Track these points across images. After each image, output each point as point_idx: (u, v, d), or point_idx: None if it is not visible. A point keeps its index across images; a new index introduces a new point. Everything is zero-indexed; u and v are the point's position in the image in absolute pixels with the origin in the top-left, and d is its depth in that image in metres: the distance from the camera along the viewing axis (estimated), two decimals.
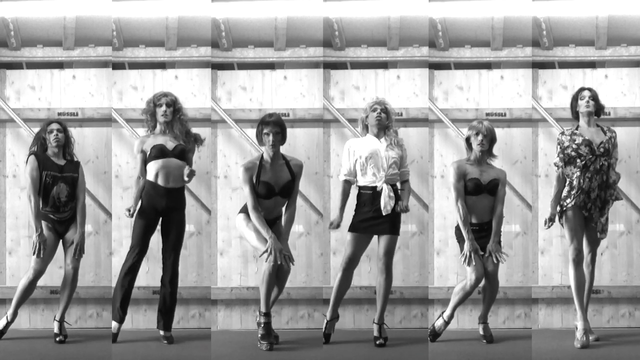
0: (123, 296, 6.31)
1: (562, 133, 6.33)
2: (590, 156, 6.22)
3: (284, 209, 6.22)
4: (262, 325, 6.12)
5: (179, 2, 7.03)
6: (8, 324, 6.44)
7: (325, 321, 6.33)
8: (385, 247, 6.23)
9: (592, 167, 6.21)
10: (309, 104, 7.01)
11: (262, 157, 6.13)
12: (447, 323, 6.36)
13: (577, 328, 6.28)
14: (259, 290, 6.11)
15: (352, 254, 6.21)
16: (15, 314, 6.43)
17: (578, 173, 6.20)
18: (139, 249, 6.31)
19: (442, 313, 6.36)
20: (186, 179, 6.25)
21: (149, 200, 6.32)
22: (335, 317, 6.33)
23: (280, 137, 6.09)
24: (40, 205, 6.31)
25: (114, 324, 6.33)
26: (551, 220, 6.27)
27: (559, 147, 6.29)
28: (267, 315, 6.13)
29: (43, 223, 6.31)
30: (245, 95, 7.03)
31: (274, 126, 6.06)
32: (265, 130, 6.07)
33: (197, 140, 6.45)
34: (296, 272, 6.96)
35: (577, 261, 6.23)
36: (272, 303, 6.23)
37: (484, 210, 6.28)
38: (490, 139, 6.28)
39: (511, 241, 6.89)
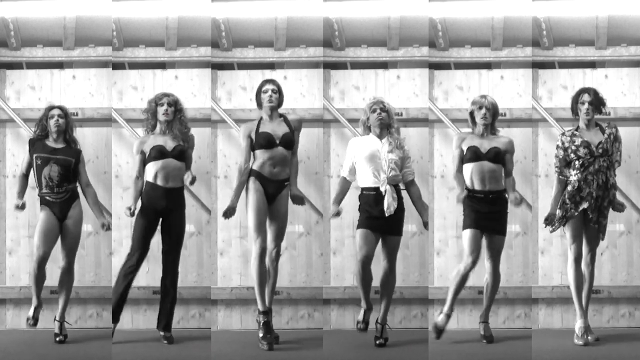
0: (120, 297, 6.31)
1: (563, 134, 6.35)
2: (589, 157, 6.23)
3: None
4: (262, 324, 6.13)
5: (179, 2, 7.03)
6: (36, 308, 6.44)
7: (363, 311, 6.32)
8: (389, 248, 6.24)
9: (591, 168, 6.23)
10: (309, 104, 7.01)
11: (260, 117, 6.29)
12: (448, 316, 6.28)
13: (576, 327, 6.30)
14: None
15: (366, 253, 6.17)
16: (39, 300, 6.44)
17: (578, 175, 6.22)
18: (139, 252, 6.30)
19: (442, 309, 6.32)
20: (188, 185, 6.31)
21: (148, 200, 6.32)
22: (370, 307, 6.32)
23: (278, 95, 6.26)
24: (37, 189, 6.39)
25: (113, 324, 6.34)
26: (549, 220, 6.28)
27: (559, 148, 6.31)
28: (266, 313, 6.14)
29: (43, 207, 6.35)
30: (245, 95, 7.03)
31: (272, 84, 6.27)
32: (263, 89, 6.26)
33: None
34: (296, 272, 6.96)
35: (578, 261, 6.27)
36: (269, 299, 6.24)
37: (484, 177, 6.21)
38: (493, 113, 6.29)
39: (511, 241, 6.89)
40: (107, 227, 6.44)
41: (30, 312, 6.45)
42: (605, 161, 6.26)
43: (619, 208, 6.34)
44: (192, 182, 6.28)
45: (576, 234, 6.26)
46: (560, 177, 6.31)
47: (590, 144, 6.25)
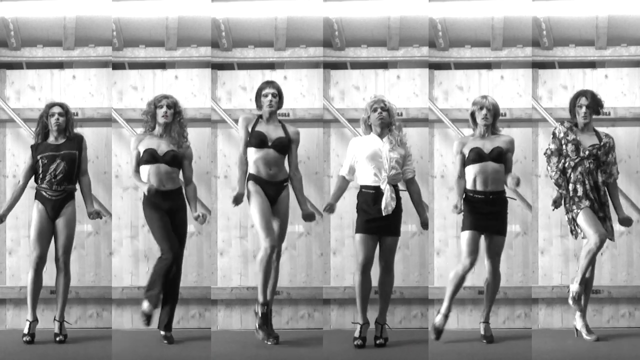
0: (160, 289, 6.19)
1: (562, 123, 6.35)
2: (575, 156, 6.25)
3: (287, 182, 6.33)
4: (260, 315, 6.13)
5: (179, 2, 7.03)
6: (31, 323, 6.40)
7: (359, 326, 6.26)
8: (387, 248, 6.23)
9: (580, 168, 6.25)
10: (309, 104, 7.01)
11: (260, 115, 6.32)
12: (446, 317, 6.28)
13: (572, 288, 6.27)
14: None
15: (365, 256, 6.18)
16: (34, 315, 6.42)
17: (572, 177, 6.25)
18: (169, 249, 6.19)
19: (439, 309, 6.34)
20: (200, 224, 6.37)
21: (152, 203, 6.27)
22: (366, 322, 6.26)
23: (278, 99, 6.28)
24: (38, 183, 6.40)
25: (149, 306, 6.14)
26: (558, 203, 6.28)
27: (555, 137, 6.32)
28: (266, 305, 6.14)
29: (36, 204, 6.36)
30: (245, 95, 7.03)
31: (272, 87, 6.27)
32: (263, 92, 6.28)
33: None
34: (296, 272, 6.96)
35: (602, 243, 6.19)
36: (270, 298, 6.24)
37: (487, 178, 6.20)
38: (494, 113, 6.28)
39: (511, 241, 6.89)
40: (97, 216, 6.42)
41: (26, 329, 6.40)
42: (592, 164, 6.26)
43: (627, 223, 6.37)
44: (204, 221, 6.31)
45: (593, 218, 6.22)
46: (548, 167, 6.32)
47: (579, 142, 6.27)
